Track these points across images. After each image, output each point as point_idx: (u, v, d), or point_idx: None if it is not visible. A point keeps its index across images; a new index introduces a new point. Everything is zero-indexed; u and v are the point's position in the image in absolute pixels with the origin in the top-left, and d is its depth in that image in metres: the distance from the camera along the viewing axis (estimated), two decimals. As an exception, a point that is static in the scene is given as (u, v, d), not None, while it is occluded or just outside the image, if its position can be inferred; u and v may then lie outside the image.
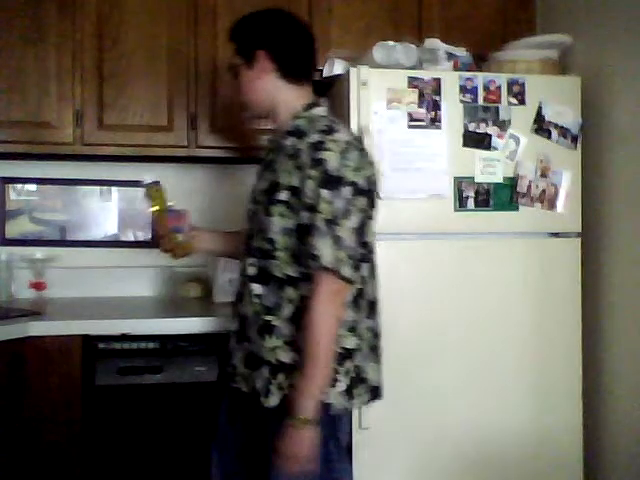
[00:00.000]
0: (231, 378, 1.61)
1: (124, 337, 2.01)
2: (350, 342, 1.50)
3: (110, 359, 2.00)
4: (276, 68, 1.59)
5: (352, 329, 1.50)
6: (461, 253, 2.06)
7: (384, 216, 1.96)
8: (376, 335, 1.60)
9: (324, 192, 1.41)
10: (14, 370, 1.92)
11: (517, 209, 2.09)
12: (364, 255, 1.51)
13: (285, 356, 1.48)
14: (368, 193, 1.47)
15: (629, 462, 2.09)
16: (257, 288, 1.52)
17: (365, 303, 1.55)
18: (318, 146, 1.44)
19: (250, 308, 1.54)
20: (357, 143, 1.52)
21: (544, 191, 2.11)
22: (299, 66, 1.63)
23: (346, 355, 1.49)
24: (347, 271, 1.41)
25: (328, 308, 1.41)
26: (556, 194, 2.12)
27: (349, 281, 1.43)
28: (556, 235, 2.14)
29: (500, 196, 2.08)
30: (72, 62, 2.27)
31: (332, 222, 1.40)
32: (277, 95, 1.60)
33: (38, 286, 2.47)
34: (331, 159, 1.42)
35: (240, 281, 1.62)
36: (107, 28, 2.30)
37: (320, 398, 1.42)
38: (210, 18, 2.34)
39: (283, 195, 1.47)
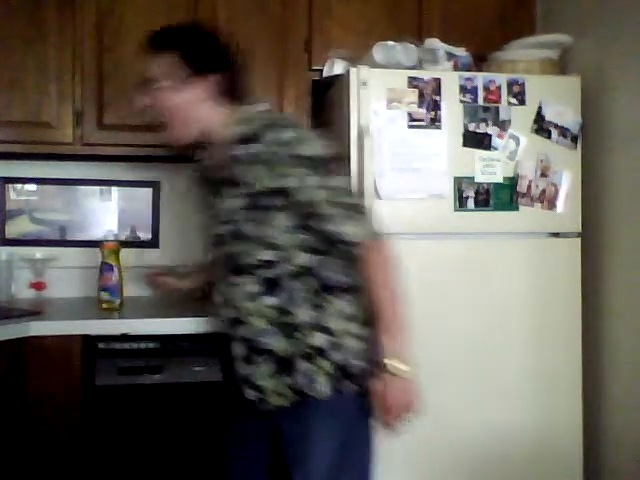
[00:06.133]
0: (259, 402, 1.50)
1: (124, 337, 2.01)
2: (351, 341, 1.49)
3: (110, 359, 1.99)
4: None
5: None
6: (461, 253, 2.06)
7: (384, 216, 1.97)
8: None
9: (312, 180, 1.42)
10: (14, 370, 1.92)
11: (517, 209, 2.09)
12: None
13: (317, 340, 1.46)
14: (332, 160, 1.50)
15: (629, 463, 2.09)
16: (271, 300, 1.47)
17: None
18: (285, 142, 1.42)
19: (263, 322, 1.48)
20: (296, 120, 1.56)
21: (544, 191, 2.11)
22: None
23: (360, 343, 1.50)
24: (373, 229, 1.48)
25: (384, 272, 1.46)
26: (556, 194, 2.12)
27: (379, 235, 1.49)
28: (556, 235, 2.14)
29: (500, 196, 2.08)
30: (72, 62, 2.27)
31: (334, 202, 1.43)
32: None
33: (38, 286, 2.47)
34: (304, 148, 1.42)
35: (231, 307, 1.53)
36: (107, 28, 2.29)
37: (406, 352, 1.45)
38: (210, 18, 2.33)
39: (276, 200, 1.43)
